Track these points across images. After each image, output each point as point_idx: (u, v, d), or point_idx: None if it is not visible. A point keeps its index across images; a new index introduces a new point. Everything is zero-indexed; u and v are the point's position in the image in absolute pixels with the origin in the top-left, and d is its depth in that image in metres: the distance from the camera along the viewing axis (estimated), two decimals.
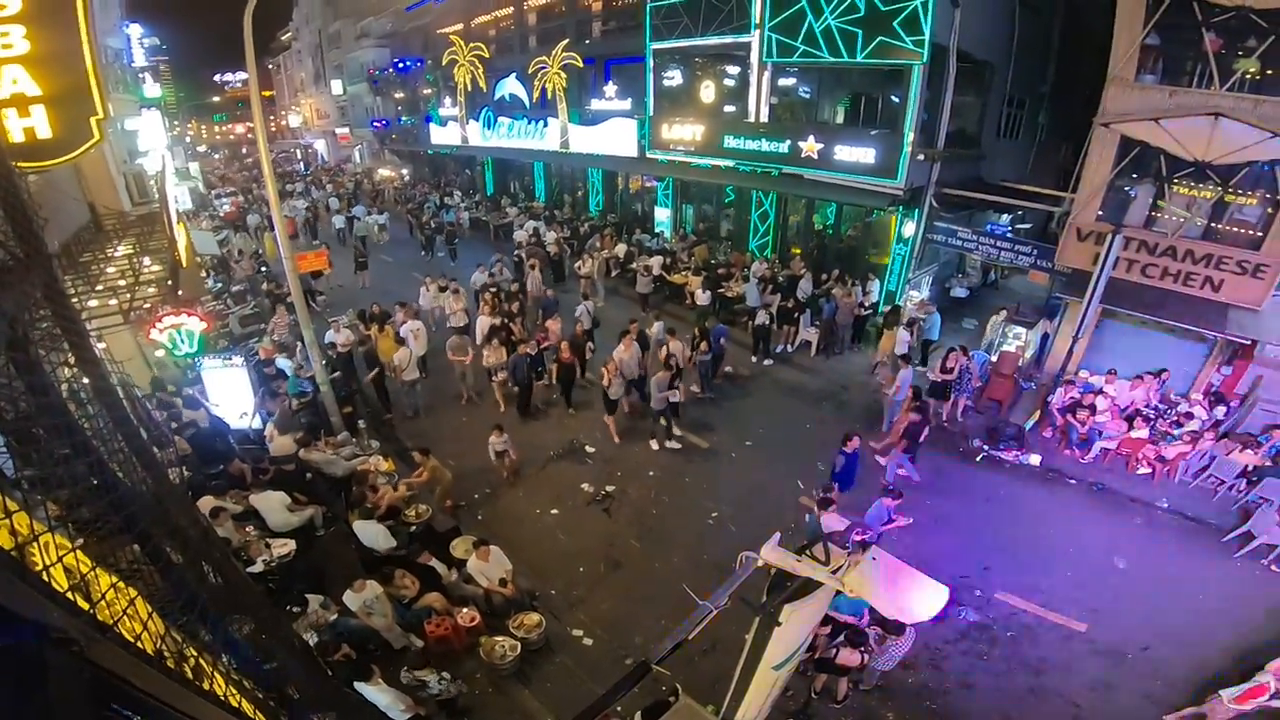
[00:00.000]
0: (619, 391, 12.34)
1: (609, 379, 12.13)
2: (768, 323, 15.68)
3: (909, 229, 16.45)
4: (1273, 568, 9.52)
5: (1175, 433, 11.69)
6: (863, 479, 10.46)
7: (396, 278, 22.53)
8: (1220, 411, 12.26)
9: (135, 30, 27.24)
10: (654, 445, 12.42)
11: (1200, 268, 11.92)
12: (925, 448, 11.54)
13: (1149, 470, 11.47)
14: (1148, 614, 8.67)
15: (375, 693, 6.42)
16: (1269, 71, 11.22)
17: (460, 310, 16.36)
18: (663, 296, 19.49)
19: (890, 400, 12.72)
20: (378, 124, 44.25)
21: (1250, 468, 10.70)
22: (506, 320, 15.03)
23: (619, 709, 5.96)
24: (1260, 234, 11.57)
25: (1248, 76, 11.23)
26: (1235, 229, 12.02)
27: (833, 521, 8.17)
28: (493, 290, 17.27)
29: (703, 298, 17.53)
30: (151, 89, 27.51)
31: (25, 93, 6.90)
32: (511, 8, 28.33)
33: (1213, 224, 12.19)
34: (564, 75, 24.57)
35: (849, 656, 6.87)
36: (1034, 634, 8.47)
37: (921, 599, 4.14)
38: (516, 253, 22.22)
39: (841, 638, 6.91)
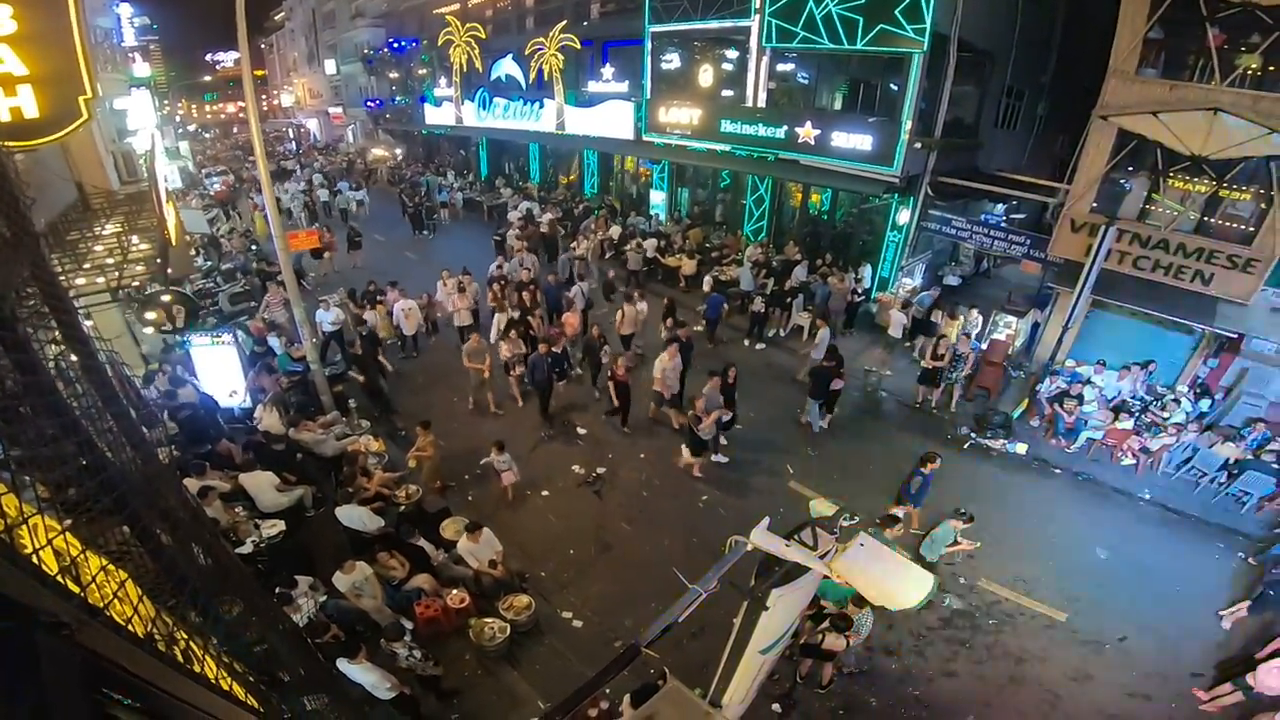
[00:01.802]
0: (713, 430, 10.82)
1: (702, 416, 10.52)
2: (763, 310, 15.81)
3: (904, 216, 16.47)
4: (1250, 560, 9.67)
5: (1162, 418, 11.80)
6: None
7: (389, 258, 22.54)
8: (1205, 404, 12.39)
9: (125, 10, 26.79)
10: (720, 458, 11.53)
11: (1191, 261, 12.01)
12: (912, 432, 11.75)
13: (1133, 461, 11.59)
14: (1127, 604, 8.81)
15: (360, 672, 6.44)
16: (1270, 67, 11.25)
17: (465, 309, 15.17)
18: (655, 278, 19.53)
19: (809, 357, 13.37)
20: (371, 104, 43.76)
21: (1232, 460, 10.84)
22: (525, 314, 14.44)
23: (608, 691, 6.03)
24: (1252, 229, 11.66)
25: (1249, 72, 11.25)
26: (1228, 223, 12.10)
27: (821, 506, 8.20)
28: (501, 282, 16.54)
29: (709, 284, 17.38)
30: (141, 68, 27.18)
31: (12, 72, 6.79)
32: None
33: (1205, 218, 12.26)
34: (561, 57, 24.36)
35: (835, 641, 6.95)
36: (1016, 622, 8.60)
37: (908, 586, 4.18)
38: (500, 231, 22.17)
39: (826, 623, 6.98)
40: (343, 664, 6.41)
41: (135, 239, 12.24)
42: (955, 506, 8.70)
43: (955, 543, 8.47)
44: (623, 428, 12.48)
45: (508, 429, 12.43)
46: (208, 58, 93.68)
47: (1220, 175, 11.79)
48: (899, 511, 8.96)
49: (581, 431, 12.52)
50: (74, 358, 2.57)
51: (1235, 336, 12.15)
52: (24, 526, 1.56)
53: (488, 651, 7.86)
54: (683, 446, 11.27)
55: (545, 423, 12.68)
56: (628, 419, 12.45)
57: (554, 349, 12.49)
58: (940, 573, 8.63)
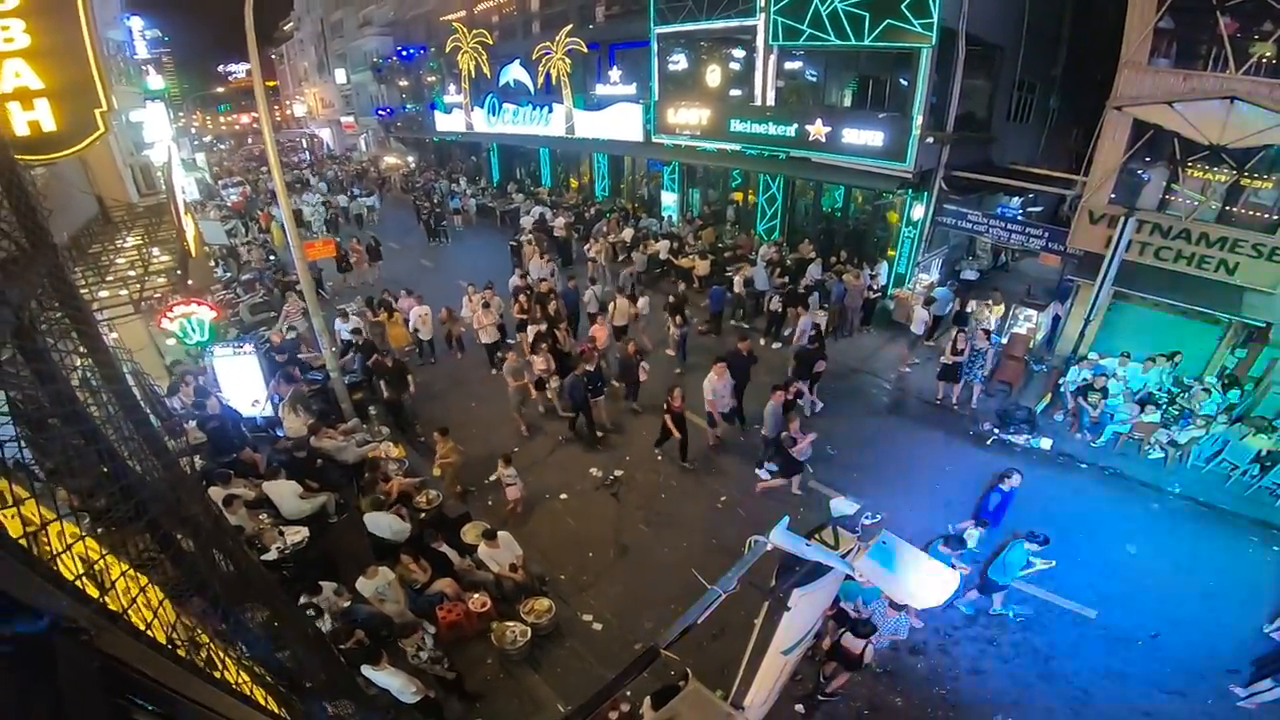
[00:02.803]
0: (809, 451, 10.18)
1: (797, 438, 9.90)
2: (780, 309, 15.74)
3: (918, 212, 16.33)
4: None
5: (1193, 405, 11.56)
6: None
7: (406, 267, 22.77)
8: (1234, 395, 12.13)
9: (136, 23, 27.23)
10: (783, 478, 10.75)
11: (1215, 251, 11.79)
12: (933, 429, 11.84)
13: (1161, 454, 11.38)
14: (1158, 600, 8.64)
15: (386, 677, 6.46)
16: None
17: (491, 325, 14.54)
18: (669, 278, 19.49)
19: (796, 342, 13.69)
20: (382, 112, 44.10)
21: (1264, 453, 10.58)
22: (551, 326, 13.99)
23: (628, 693, 6.00)
24: (1276, 217, 11.45)
25: (1264, 60, 11.05)
26: (1250, 212, 11.89)
27: (842, 505, 8.09)
28: (526, 293, 16.03)
29: (738, 285, 17.14)
30: (155, 81, 27.60)
31: (28, 86, 6.92)
32: None
33: (1227, 207, 12.05)
34: (568, 60, 24.40)
35: (852, 643, 6.86)
36: (1044, 620, 8.45)
37: (932, 584, 4.11)
38: (516, 238, 22.21)
39: (846, 627, 6.89)
40: (367, 670, 6.43)
41: (156, 251, 12.44)
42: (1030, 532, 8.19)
43: (1029, 565, 8.06)
44: (683, 462, 11.51)
45: (525, 435, 12.47)
46: (219, 69, 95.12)
47: (1241, 164, 11.58)
48: (974, 532, 8.78)
49: (599, 435, 12.50)
50: (95, 368, 2.59)
51: (1263, 326, 11.91)
52: (45, 532, 1.57)
53: (509, 655, 7.87)
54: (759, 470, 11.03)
55: (570, 428, 12.52)
56: (687, 452, 11.47)
57: (588, 366, 11.81)
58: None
